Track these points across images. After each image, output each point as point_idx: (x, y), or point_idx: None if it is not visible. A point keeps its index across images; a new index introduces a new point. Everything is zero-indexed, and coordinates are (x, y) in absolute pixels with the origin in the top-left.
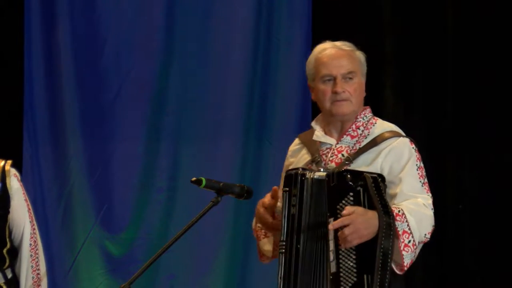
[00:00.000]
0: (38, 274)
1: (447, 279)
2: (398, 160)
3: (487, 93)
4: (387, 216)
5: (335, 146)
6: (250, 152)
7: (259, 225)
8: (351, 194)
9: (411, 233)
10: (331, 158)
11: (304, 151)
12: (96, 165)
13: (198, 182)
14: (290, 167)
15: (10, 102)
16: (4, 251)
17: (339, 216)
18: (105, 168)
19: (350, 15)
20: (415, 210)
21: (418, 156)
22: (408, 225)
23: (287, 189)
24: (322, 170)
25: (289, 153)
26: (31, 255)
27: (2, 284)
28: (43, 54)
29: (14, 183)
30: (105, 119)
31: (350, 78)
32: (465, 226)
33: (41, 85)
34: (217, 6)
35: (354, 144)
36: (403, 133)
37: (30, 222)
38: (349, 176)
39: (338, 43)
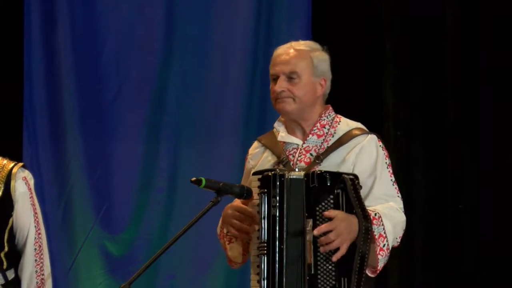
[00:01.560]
0: (42, 279)
1: (447, 280)
2: (369, 159)
3: (487, 93)
4: (365, 220)
5: (302, 146)
6: None
7: (226, 231)
8: (331, 197)
9: (386, 237)
10: (299, 158)
11: (267, 153)
12: (96, 165)
13: (198, 182)
14: (254, 170)
15: (10, 102)
16: (1, 254)
17: (318, 218)
18: (105, 168)
19: (350, 15)
20: (390, 215)
21: (386, 154)
22: (384, 228)
23: (265, 190)
24: (296, 169)
25: (249, 156)
26: (35, 260)
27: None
28: (43, 54)
29: (20, 187)
30: (105, 119)
31: (293, 78)
32: (465, 226)
33: (41, 85)
34: (217, 6)
35: (322, 143)
36: (367, 130)
37: (36, 226)
38: (328, 177)
39: (294, 43)
